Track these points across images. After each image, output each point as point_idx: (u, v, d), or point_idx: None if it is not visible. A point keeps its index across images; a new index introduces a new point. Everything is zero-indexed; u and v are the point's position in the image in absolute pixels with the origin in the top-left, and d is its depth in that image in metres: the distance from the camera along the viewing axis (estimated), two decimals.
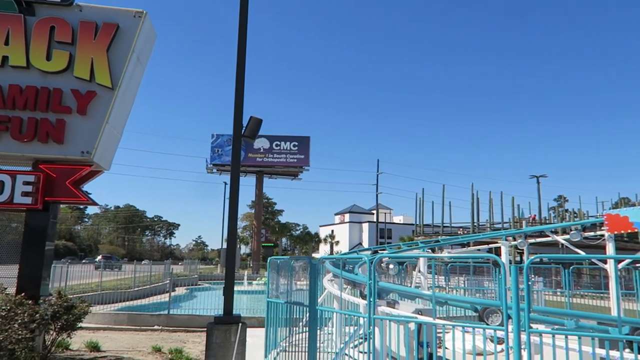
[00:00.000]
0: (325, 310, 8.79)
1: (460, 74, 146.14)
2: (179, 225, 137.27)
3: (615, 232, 13.79)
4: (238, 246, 74.25)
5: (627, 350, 6.96)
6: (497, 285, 17.11)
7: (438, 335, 10.42)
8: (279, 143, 57.26)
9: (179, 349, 10.36)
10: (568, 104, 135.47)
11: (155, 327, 14.60)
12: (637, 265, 19.37)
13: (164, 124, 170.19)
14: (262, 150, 56.79)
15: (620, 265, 14.76)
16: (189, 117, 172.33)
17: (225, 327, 7.21)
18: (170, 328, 14.50)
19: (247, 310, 17.84)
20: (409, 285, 17.71)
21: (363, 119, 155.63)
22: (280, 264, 9.53)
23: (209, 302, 15.67)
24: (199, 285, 32.02)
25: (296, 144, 57.55)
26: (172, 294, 17.29)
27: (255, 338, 10.94)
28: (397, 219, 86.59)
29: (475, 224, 46.32)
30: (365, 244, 76.70)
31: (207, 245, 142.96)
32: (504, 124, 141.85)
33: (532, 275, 25.63)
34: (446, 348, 9.88)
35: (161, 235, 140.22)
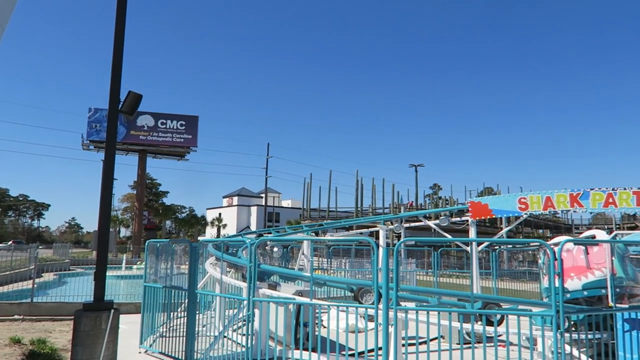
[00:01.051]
0: (204, 294, 8.65)
1: (348, 63, 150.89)
2: (48, 205, 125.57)
3: (478, 218, 15.32)
4: (117, 228, 69.89)
5: (479, 322, 7.83)
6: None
7: (318, 315, 10.82)
8: (164, 121, 54.60)
9: (42, 339, 9.54)
10: (446, 100, 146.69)
11: (16, 316, 13.29)
12: (495, 247, 21.77)
13: (33, 92, 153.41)
14: (146, 128, 53.75)
15: (479, 248, 16.47)
16: (63, 88, 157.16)
17: (95, 314, 6.77)
18: (34, 317, 13.29)
19: (125, 296, 16.99)
20: (294, 268, 18.10)
21: (253, 103, 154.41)
22: (160, 248, 9.18)
23: (80, 289, 14.61)
24: (71, 270, 29.64)
25: (183, 123, 55.33)
26: (39, 280, 15.84)
27: (132, 325, 10.47)
28: (286, 203, 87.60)
29: (359, 208, 48.53)
30: (254, 228, 76.62)
31: (82, 228, 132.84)
32: (389, 113, 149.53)
33: (408, 258, 27.59)
34: (324, 327, 10.30)
35: (27, 216, 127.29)
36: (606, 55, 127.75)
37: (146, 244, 9.47)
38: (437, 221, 16.31)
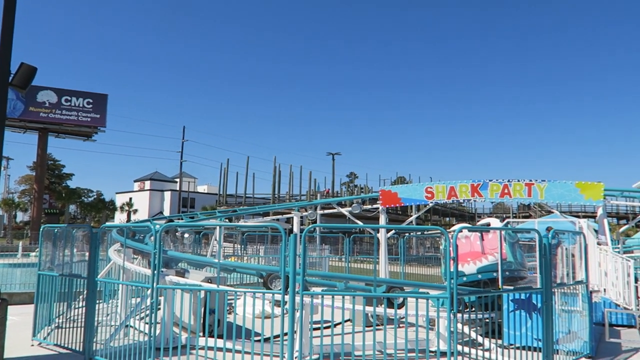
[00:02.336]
0: (106, 282, 8.24)
1: (266, 51, 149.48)
2: None
3: (388, 206, 15.95)
4: (13, 213, 64.30)
5: (385, 306, 8.21)
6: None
7: (231, 302, 10.74)
8: (69, 98, 50.75)
9: None
10: (365, 91, 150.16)
11: None
12: (404, 234, 22.81)
13: None
14: (47, 105, 49.66)
15: (388, 234, 17.21)
16: None
17: None
18: None
19: (22, 286, 15.75)
20: (206, 254, 17.78)
21: (169, 85, 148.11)
22: (58, 233, 8.59)
23: None
24: None
25: (91, 101, 51.77)
26: None
27: (25, 316, 9.77)
28: (202, 188, 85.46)
29: (276, 195, 48.54)
30: (167, 213, 73.99)
31: None
32: (308, 102, 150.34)
33: (322, 244, 28.15)
34: (237, 314, 10.25)
35: None
36: (503, 51, 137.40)
37: (41, 229, 8.82)
38: (349, 208, 16.80)
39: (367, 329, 7.75)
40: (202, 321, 7.91)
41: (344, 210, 17.32)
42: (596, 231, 13.84)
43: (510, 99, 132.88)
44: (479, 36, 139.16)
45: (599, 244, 12.74)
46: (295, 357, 6.21)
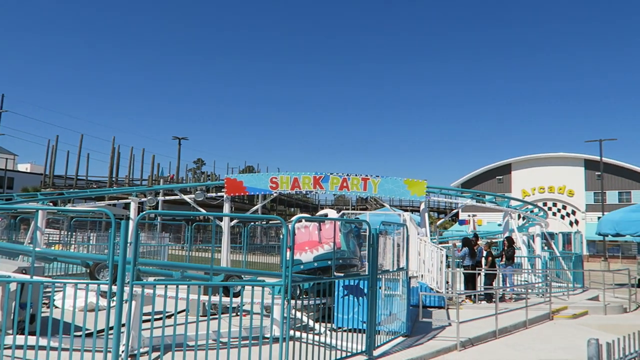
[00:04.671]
0: None
1: (113, 29, 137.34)
2: None
3: (233, 194, 15.85)
4: None
5: (225, 295, 8.14)
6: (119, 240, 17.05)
7: (49, 294, 9.62)
8: None
9: None
10: (217, 75, 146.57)
11: None
12: (249, 223, 22.91)
13: None
14: None
15: (232, 223, 17.14)
16: None
17: None
18: None
19: None
20: (24, 241, 15.70)
21: None
22: None
23: None
24: None
25: None
26: None
27: None
28: (23, 167, 75.37)
29: (113, 178, 44.94)
30: None
31: None
32: (154, 80, 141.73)
33: (162, 232, 26.87)
34: (56, 307, 9.24)
35: None
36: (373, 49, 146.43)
37: None
38: (193, 196, 16.31)
39: (202, 318, 7.62)
40: (11, 317, 6.97)
41: (187, 198, 16.76)
42: (419, 224, 15.51)
43: (354, 97, 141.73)
44: (300, 31, 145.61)
45: (419, 235, 14.29)
46: (122, 352, 5.83)
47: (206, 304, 8.42)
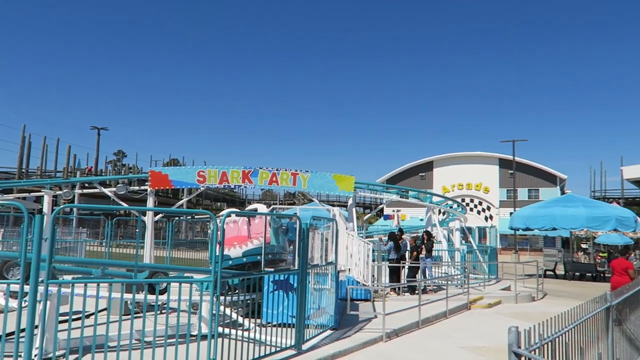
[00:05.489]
0: None
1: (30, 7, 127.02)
2: None
3: (157, 188, 15.26)
4: None
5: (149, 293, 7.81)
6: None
7: None
8: None
9: None
10: (138, 62, 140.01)
11: None
12: (174, 218, 22.16)
13: None
14: None
15: (156, 218, 16.50)
16: None
17: None
18: None
19: None
20: None
21: None
22: None
23: None
24: None
25: None
26: None
27: None
28: None
29: (23, 170, 41.72)
30: None
31: None
32: (68, 66, 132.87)
33: (79, 227, 25.31)
34: None
35: None
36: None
37: None
38: (114, 189, 15.51)
39: (125, 317, 7.26)
40: None
41: (108, 191, 15.91)
42: (346, 218, 15.78)
43: (284, 91, 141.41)
44: (233, 24, 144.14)
45: (347, 229, 14.55)
46: (35, 356, 5.43)
47: (129, 302, 8.05)
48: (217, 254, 5.80)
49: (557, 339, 3.76)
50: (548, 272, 25.39)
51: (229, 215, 8.59)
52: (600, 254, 32.87)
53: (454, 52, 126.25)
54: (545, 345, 3.50)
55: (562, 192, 54.61)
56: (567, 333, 4.05)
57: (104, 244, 24.06)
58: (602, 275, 24.90)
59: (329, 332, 8.55)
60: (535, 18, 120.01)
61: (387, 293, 13.69)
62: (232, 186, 15.84)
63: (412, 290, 14.03)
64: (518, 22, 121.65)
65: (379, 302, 11.68)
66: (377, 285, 13.05)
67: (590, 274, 24.78)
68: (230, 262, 8.90)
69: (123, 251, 24.05)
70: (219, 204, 67.93)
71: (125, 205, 15.45)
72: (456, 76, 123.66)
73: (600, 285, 21.38)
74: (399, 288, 14.01)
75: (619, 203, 40.81)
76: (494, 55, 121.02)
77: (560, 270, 26.40)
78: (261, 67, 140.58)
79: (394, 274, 14.47)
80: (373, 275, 13.64)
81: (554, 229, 24.60)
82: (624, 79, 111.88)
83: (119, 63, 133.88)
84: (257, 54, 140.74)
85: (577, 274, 25.07)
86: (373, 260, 13.89)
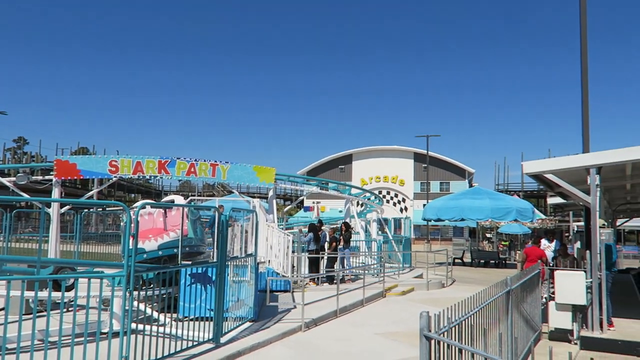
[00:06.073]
0: None
1: None
2: None
3: (64, 178, 14.25)
4: None
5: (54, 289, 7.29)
6: None
7: None
8: None
9: None
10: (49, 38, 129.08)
11: None
12: (83, 210, 20.82)
13: None
14: None
15: (63, 210, 15.42)
16: None
17: None
18: None
19: None
20: None
21: None
22: None
23: None
24: None
25: None
26: None
27: None
28: None
29: None
30: None
31: None
32: None
33: None
34: None
35: None
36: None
37: None
38: (14, 178, 14.27)
39: (27, 316, 6.74)
40: None
41: (6, 181, 14.60)
42: (267, 210, 15.73)
43: (208, 83, 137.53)
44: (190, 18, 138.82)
45: (267, 221, 14.52)
46: None
47: (31, 300, 7.48)
48: (131, 247, 5.55)
49: (463, 322, 4.02)
50: (457, 260, 27.03)
51: (143, 207, 8.27)
52: (503, 243, 35.58)
53: (374, 49, 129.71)
54: (453, 328, 3.73)
55: (470, 185, 58.22)
56: (472, 316, 4.34)
57: (1, 238, 22.08)
58: (503, 262, 26.95)
59: (248, 324, 8.51)
60: (453, 18, 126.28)
61: (307, 284, 13.87)
62: (148, 177, 15.19)
63: (330, 280, 14.31)
64: (435, 22, 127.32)
65: (298, 293, 11.80)
66: (297, 276, 13.17)
67: (493, 261, 26.70)
68: (145, 255, 8.56)
69: (23, 246, 22.25)
70: (133, 195, 64.91)
71: (26, 196, 14.29)
72: (376, 73, 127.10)
73: (502, 271, 23.14)
74: (318, 278, 14.23)
75: (519, 195, 44.33)
76: (411, 55, 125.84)
77: (468, 258, 28.22)
78: (179, 59, 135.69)
79: (313, 265, 14.67)
80: (293, 266, 13.74)
81: (463, 219, 26.18)
82: (529, 80, 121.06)
83: (18, 45, 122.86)
84: (168, 46, 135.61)
85: (482, 261, 26.91)
86: (293, 252, 13.99)
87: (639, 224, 40.51)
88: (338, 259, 15.01)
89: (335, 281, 12.09)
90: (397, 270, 17.72)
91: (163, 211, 9.34)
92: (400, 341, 8.40)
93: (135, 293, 6.95)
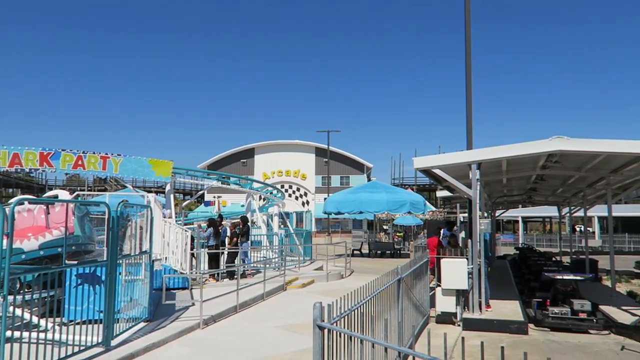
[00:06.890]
0: None
1: None
2: None
3: None
4: None
5: None
6: None
7: None
8: None
9: None
10: None
11: None
12: None
13: None
14: None
15: None
16: None
17: None
18: None
19: None
20: None
21: None
22: None
23: None
24: None
25: None
26: None
27: None
28: None
29: None
30: None
31: None
32: None
33: None
34: None
35: None
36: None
37: None
38: None
39: None
40: None
41: None
42: (164, 205, 15.12)
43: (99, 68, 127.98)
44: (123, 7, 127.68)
45: (164, 216, 13.97)
46: None
47: None
48: (5, 247, 5.05)
49: (355, 311, 4.20)
50: (355, 252, 28.04)
51: (20, 202, 7.55)
52: (398, 234, 37.53)
53: (279, 42, 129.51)
54: (345, 317, 3.88)
55: (369, 179, 60.61)
56: (365, 304, 4.55)
57: None
58: (398, 252, 28.45)
59: (142, 324, 8.15)
60: (350, 10, 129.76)
61: (206, 280, 13.58)
62: (27, 170, 13.88)
63: (231, 275, 14.15)
64: (330, 15, 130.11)
65: (197, 290, 11.52)
66: (195, 273, 12.85)
67: (389, 252, 28.08)
68: (24, 256, 7.83)
69: None
70: (11, 190, 58.93)
71: None
72: (276, 67, 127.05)
73: (397, 261, 24.38)
74: (218, 274, 14.00)
75: (412, 189, 47.08)
76: (312, 48, 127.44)
77: (366, 250, 29.39)
78: (69, 44, 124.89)
79: (213, 261, 14.40)
80: (191, 263, 13.37)
81: (361, 212, 27.22)
82: (424, 78, 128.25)
83: None
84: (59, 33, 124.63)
85: (379, 252, 28.20)
86: (192, 248, 13.61)
87: (515, 215, 44.97)
88: (239, 253, 14.87)
89: (235, 276, 11.99)
90: (298, 263, 17.97)
91: (45, 207, 8.60)
92: (299, 332, 8.55)
93: (11, 297, 6.35)
